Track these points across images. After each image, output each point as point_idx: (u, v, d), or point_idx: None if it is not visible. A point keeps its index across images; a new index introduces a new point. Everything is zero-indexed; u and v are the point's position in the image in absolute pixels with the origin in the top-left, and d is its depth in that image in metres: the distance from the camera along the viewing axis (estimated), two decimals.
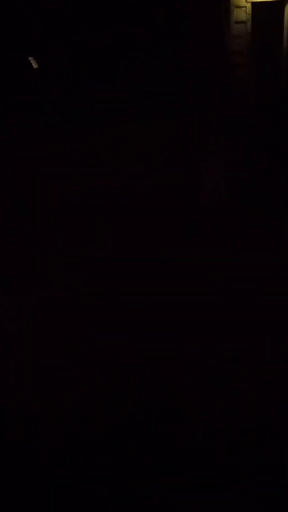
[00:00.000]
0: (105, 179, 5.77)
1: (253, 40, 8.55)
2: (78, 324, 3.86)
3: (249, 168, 5.66)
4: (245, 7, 8.30)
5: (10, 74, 8.13)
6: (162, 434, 2.65)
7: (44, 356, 3.45)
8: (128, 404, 2.93)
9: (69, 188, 5.62)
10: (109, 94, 8.22)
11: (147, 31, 8.68)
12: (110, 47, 8.41)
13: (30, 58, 8.15)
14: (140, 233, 5.10)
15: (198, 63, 8.24)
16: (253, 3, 8.23)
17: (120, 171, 5.81)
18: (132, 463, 2.47)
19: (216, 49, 8.47)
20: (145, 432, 2.67)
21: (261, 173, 5.59)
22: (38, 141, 6.24)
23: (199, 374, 3.12)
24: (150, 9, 8.25)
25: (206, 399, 2.87)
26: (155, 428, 2.71)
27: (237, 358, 3.25)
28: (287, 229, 4.85)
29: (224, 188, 5.53)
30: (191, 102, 6.63)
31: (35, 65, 8.36)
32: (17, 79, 8.25)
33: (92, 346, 3.58)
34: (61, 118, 7.85)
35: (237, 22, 8.51)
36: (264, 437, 2.55)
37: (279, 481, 2.33)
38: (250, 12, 8.28)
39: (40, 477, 2.49)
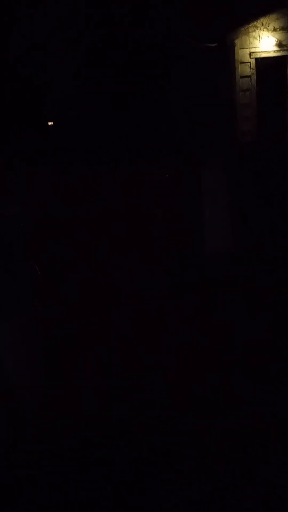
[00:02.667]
0: (106, 223, 5.83)
1: (258, 93, 8.77)
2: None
3: (254, 216, 5.68)
4: (249, 62, 8.58)
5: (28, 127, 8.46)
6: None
7: None
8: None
9: (75, 238, 5.68)
10: (118, 142, 8.42)
11: (158, 84, 8.96)
12: (118, 102, 8.69)
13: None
14: (139, 280, 5.08)
15: (205, 117, 8.44)
16: (256, 59, 8.50)
17: (124, 218, 5.89)
18: None
19: (223, 104, 8.69)
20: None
21: (266, 221, 5.60)
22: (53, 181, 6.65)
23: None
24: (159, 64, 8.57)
25: None
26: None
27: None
28: None
29: (228, 236, 5.52)
30: (198, 152, 6.75)
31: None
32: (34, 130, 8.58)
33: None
34: (73, 162, 8.06)
35: (242, 77, 8.78)
36: None
37: None
38: (254, 67, 8.54)
39: None
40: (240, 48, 8.48)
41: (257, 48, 8.44)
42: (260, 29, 8.22)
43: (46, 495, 2.65)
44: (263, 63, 8.57)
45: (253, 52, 8.48)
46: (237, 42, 8.42)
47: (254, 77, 8.72)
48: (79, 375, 3.68)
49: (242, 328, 4.09)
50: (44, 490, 2.69)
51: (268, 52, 8.44)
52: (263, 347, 3.74)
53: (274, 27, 8.21)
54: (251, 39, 8.37)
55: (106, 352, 3.90)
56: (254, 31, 8.27)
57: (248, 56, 8.52)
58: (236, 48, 8.47)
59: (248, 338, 3.92)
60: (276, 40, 8.29)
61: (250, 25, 8.23)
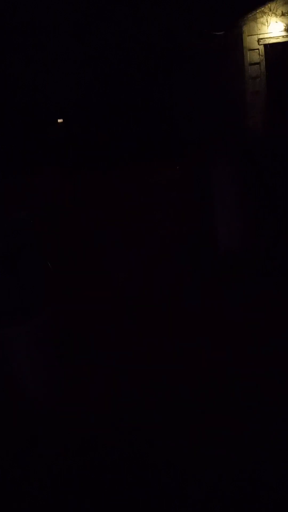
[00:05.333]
0: (115, 223, 5.83)
1: (268, 79, 8.62)
2: None
3: (266, 214, 5.61)
4: (258, 49, 8.42)
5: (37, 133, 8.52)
6: None
7: None
8: None
9: (83, 239, 5.70)
10: (129, 140, 8.39)
11: (163, 80, 8.87)
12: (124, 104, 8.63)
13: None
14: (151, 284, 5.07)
15: (214, 110, 8.33)
16: (265, 45, 8.33)
17: (134, 219, 5.89)
18: None
19: (232, 92, 8.56)
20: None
21: (279, 219, 5.52)
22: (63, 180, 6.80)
23: None
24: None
25: None
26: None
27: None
28: None
29: (241, 236, 5.46)
30: (207, 150, 6.67)
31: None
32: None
33: None
34: (83, 164, 8.09)
35: (251, 64, 8.63)
36: None
37: None
38: (263, 54, 8.38)
39: None
40: (248, 35, 8.33)
41: (265, 34, 8.27)
42: (268, 14, 8.04)
43: (59, 499, 2.68)
44: (272, 49, 8.40)
45: (262, 38, 8.32)
46: (245, 29, 8.27)
47: (263, 63, 8.57)
48: (91, 378, 3.70)
49: (259, 330, 4.06)
50: (56, 493, 2.72)
51: (277, 37, 8.27)
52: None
53: (282, 11, 8.03)
54: (259, 25, 8.20)
55: (119, 355, 3.91)
56: (262, 16, 8.10)
57: (256, 42, 8.37)
58: (244, 35, 8.33)
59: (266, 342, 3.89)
60: (285, 25, 8.11)
61: (257, 11, 8.07)
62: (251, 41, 8.39)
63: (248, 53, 8.46)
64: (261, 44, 8.39)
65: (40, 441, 3.11)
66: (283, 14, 8.04)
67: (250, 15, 8.04)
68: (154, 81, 8.40)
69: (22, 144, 8.27)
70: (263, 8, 8.00)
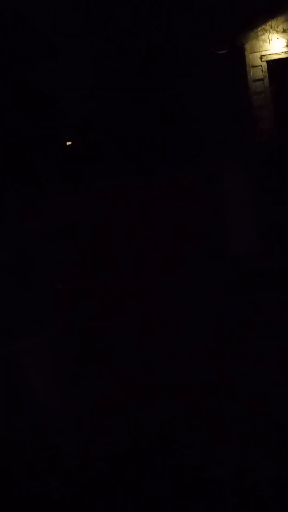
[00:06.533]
0: (130, 231, 5.88)
1: (273, 94, 8.78)
2: None
3: (278, 217, 5.66)
4: (261, 65, 8.61)
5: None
6: None
7: None
8: None
9: (96, 246, 5.75)
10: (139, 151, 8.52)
11: (173, 94, 9.06)
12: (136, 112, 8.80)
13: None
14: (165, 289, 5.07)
15: (222, 123, 8.48)
16: (268, 61, 8.52)
17: (147, 226, 5.94)
18: None
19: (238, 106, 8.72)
20: None
21: None
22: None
23: None
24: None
25: None
26: None
27: None
28: None
29: (254, 240, 5.50)
30: (217, 157, 6.78)
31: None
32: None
33: None
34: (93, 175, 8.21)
35: (254, 80, 8.81)
36: None
37: None
38: (266, 70, 8.56)
39: None
40: (251, 52, 8.53)
41: (267, 51, 8.47)
42: (269, 31, 8.25)
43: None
44: (275, 65, 8.59)
45: (264, 55, 8.51)
46: (247, 46, 8.48)
47: (267, 79, 8.74)
48: (106, 390, 3.66)
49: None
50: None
51: (279, 53, 8.46)
52: None
53: (283, 28, 8.24)
54: (261, 42, 8.41)
55: (133, 365, 3.88)
56: (264, 34, 8.31)
57: (259, 59, 8.56)
58: (246, 52, 8.53)
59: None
60: (286, 41, 8.31)
61: (259, 29, 8.28)
62: (253, 58, 8.59)
63: (251, 70, 8.66)
64: (263, 61, 8.58)
65: (55, 454, 3.08)
66: (284, 31, 8.25)
67: (252, 32, 8.25)
68: (165, 95, 8.61)
69: (33, 154, 8.43)
70: (264, 26, 8.22)
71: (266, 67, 8.58)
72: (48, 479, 2.88)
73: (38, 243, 3.54)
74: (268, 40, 8.36)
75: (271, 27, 8.19)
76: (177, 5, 8.03)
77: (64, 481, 2.85)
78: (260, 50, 8.47)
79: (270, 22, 8.19)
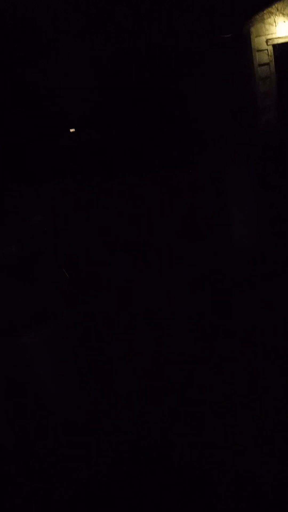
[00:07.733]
0: (134, 227, 5.84)
1: (278, 80, 8.57)
2: None
3: (280, 211, 5.56)
4: (267, 49, 8.39)
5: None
6: None
7: None
8: None
9: (101, 242, 5.72)
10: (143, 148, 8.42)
11: (175, 84, 8.91)
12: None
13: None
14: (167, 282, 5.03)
15: (225, 112, 8.32)
16: (273, 45, 8.30)
17: (150, 221, 5.89)
18: None
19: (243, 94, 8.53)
20: None
21: None
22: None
23: None
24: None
25: None
26: None
27: None
28: None
29: (255, 234, 5.41)
30: (220, 150, 6.66)
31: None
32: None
33: None
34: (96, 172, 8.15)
35: (260, 65, 8.60)
36: None
37: None
38: (272, 54, 8.35)
39: None
40: (256, 36, 8.30)
41: (273, 35, 8.24)
42: (275, 14, 8.02)
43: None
44: (281, 49, 8.36)
45: (270, 39, 8.29)
46: (253, 30, 8.25)
47: (272, 64, 8.53)
48: (111, 385, 3.67)
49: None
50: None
51: (285, 37, 8.23)
52: None
53: None
54: (267, 26, 8.18)
55: (139, 360, 3.88)
56: (269, 17, 8.08)
57: (265, 43, 8.34)
58: (252, 36, 8.31)
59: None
60: None
61: (264, 12, 8.04)
62: (259, 42, 8.37)
63: (257, 54, 8.44)
64: (269, 45, 8.36)
65: (62, 450, 3.09)
66: None
67: (257, 16, 8.02)
68: (166, 85, 8.45)
69: (38, 151, 8.38)
70: (270, 9, 7.98)
71: (272, 51, 8.36)
72: (50, 479, 2.89)
73: (43, 237, 3.52)
74: (274, 24, 8.12)
75: (277, 10, 7.95)
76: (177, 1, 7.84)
77: (66, 480, 2.87)
78: (266, 33, 8.24)
79: (276, 5, 7.95)
